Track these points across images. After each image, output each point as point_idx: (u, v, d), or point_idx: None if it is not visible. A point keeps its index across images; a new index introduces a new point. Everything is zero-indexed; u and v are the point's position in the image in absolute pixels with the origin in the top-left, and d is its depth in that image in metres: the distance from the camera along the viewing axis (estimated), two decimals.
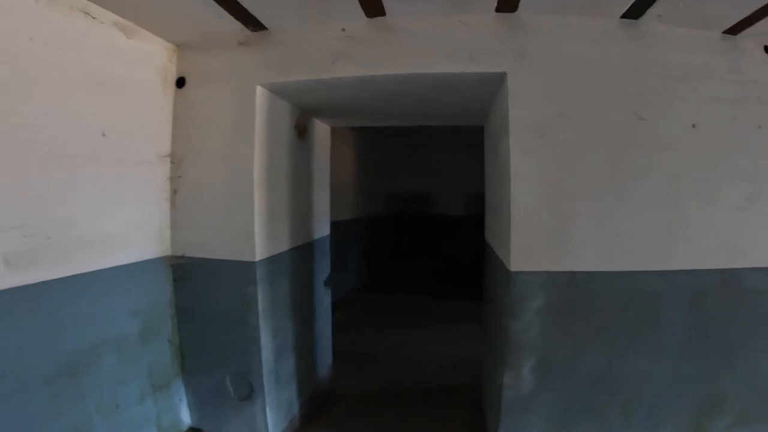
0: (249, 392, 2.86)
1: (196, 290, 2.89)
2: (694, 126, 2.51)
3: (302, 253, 3.65)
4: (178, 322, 2.94)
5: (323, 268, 4.23)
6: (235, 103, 2.78)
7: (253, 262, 2.78)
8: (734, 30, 2.50)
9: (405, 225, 11.01)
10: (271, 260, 3.00)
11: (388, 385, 4.40)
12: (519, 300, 2.53)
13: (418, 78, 2.65)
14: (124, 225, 2.52)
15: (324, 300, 4.25)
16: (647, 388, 2.61)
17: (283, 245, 3.23)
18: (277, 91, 2.92)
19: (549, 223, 2.50)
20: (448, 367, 4.86)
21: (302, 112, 3.54)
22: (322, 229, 4.22)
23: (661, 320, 2.57)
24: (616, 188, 2.51)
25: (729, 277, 2.59)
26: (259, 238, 2.80)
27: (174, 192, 2.88)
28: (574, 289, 2.54)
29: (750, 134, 2.56)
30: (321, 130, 4.16)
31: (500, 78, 2.60)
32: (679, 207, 2.52)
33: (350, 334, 5.66)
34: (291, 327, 3.36)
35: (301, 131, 3.54)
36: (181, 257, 2.87)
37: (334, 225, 4.84)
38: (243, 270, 2.80)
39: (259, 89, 2.77)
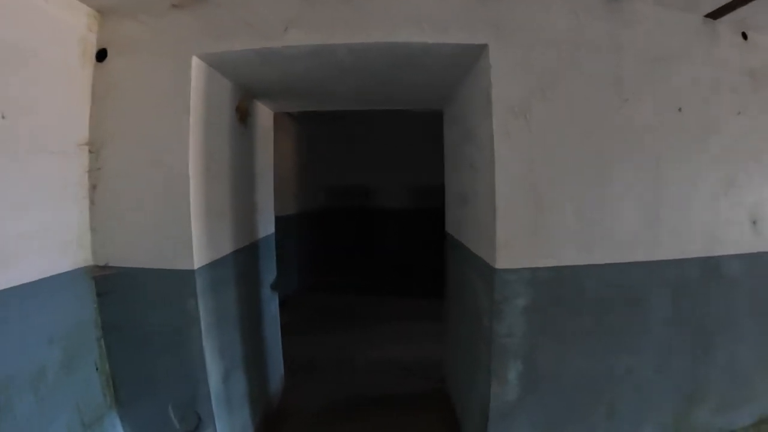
0: (197, 423, 2.54)
1: (125, 306, 2.52)
2: (680, 110, 2.55)
3: (246, 255, 3.34)
4: (106, 345, 2.55)
5: (269, 271, 3.93)
6: (167, 78, 2.42)
7: (192, 271, 2.44)
8: (716, 14, 2.56)
9: (347, 219, 10.86)
10: (213, 267, 2.68)
11: (346, 395, 4.22)
12: (503, 300, 2.41)
13: (383, 49, 2.44)
14: (30, 231, 2.09)
15: (271, 306, 3.96)
16: (632, 384, 2.63)
17: (226, 248, 2.92)
18: (216, 64, 2.59)
19: (532, 214, 2.42)
20: (408, 370, 4.74)
21: (244, 93, 3.21)
22: (266, 226, 3.91)
23: (645, 313, 2.59)
24: (599, 173, 2.47)
25: (708, 265, 2.67)
26: (197, 242, 2.47)
27: (93, 187, 2.48)
28: (559, 285, 2.48)
29: (729, 119, 2.66)
30: (264, 114, 3.83)
31: (478, 51, 2.45)
32: (660, 194, 2.55)
33: (298, 338, 5.41)
34: (239, 342, 3.06)
35: (243, 115, 3.21)
36: (105, 267, 2.49)
37: (276, 221, 4.53)
38: (180, 280, 2.46)
39: (195, 61, 2.43)
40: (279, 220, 4.48)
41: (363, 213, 10.87)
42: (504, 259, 2.36)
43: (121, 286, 2.50)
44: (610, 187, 2.47)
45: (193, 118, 2.43)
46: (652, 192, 2.52)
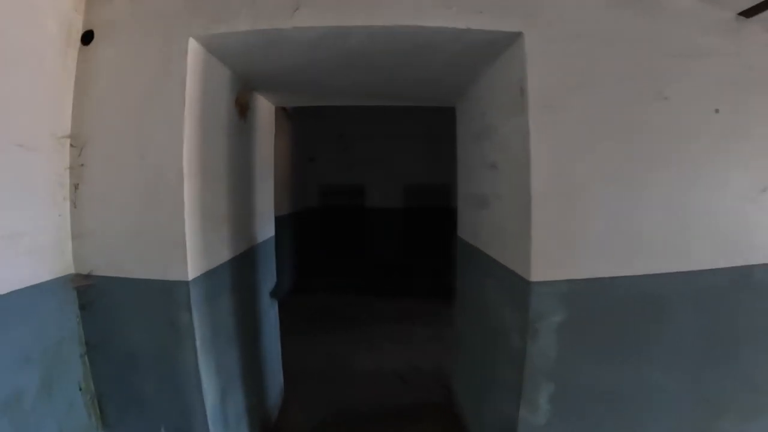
0: None
1: (111, 320, 2.25)
2: (717, 111, 2.33)
3: (245, 262, 3.09)
4: (91, 362, 2.28)
5: (268, 277, 3.68)
6: (160, 63, 2.15)
7: (185, 282, 2.17)
8: (750, 12, 2.36)
9: (341, 219, 10.89)
10: (209, 276, 2.41)
11: (346, 409, 4.01)
12: (538, 318, 2.18)
13: (406, 34, 2.18)
14: (1, 236, 1.81)
15: (270, 314, 3.70)
16: (658, 398, 2.45)
17: (224, 254, 2.66)
18: (216, 49, 2.33)
19: (568, 220, 2.18)
20: (409, 379, 4.58)
21: (244, 84, 2.95)
22: (265, 230, 3.66)
23: (675, 327, 2.40)
24: (636, 176, 2.25)
25: (741, 275, 2.47)
26: (192, 249, 2.21)
27: (75, 187, 2.21)
28: (594, 299, 2.26)
29: (763, 122, 2.44)
30: (264, 109, 3.57)
31: (509, 40, 2.22)
32: (694, 200, 2.33)
33: (292, 345, 5.14)
34: (237, 357, 2.81)
35: (243, 109, 2.95)
36: (89, 276, 2.22)
37: None
38: (172, 293, 2.19)
39: (192, 44, 2.15)
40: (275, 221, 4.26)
41: (353, 212, 10.89)
42: (540, 271, 2.12)
43: (107, 298, 2.24)
44: (647, 191, 2.26)
45: (188, 110, 2.16)
46: (686, 198, 2.32)
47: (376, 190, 10.78)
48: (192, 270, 2.20)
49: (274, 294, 3.71)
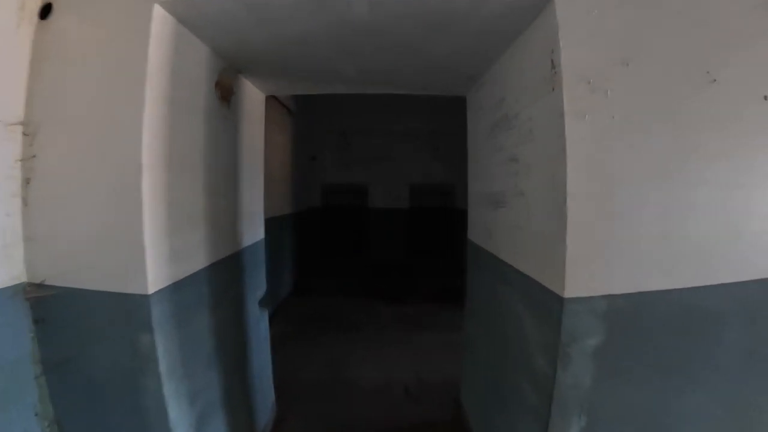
0: None
1: (69, 336, 1.98)
2: (766, 98, 2.02)
3: (227, 269, 2.79)
4: (48, 384, 2.03)
5: (258, 284, 3.39)
6: (122, 37, 1.88)
7: (145, 296, 1.88)
8: None
9: (343, 220, 10.83)
10: (178, 288, 2.12)
11: (344, 427, 3.75)
12: (571, 341, 1.89)
13: (416, 3, 1.89)
14: None
15: (260, 325, 3.41)
16: (697, 425, 2.16)
17: (198, 261, 2.36)
18: (188, 19, 2.05)
19: (608, 223, 1.88)
20: (412, 392, 4.36)
21: (227, 65, 2.67)
22: (254, 232, 3.36)
23: (721, 346, 2.11)
24: (683, 171, 1.94)
25: None
26: (153, 256, 1.92)
27: (26, 182, 1.94)
28: (636, 317, 1.96)
29: None
30: (253, 96, 3.28)
31: (536, 9, 1.94)
32: (745, 199, 2.04)
33: (288, 354, 5.06)
34: (218, 379, 2.53)
35: (225, 93, 2.66)
36: (42, 286, 1.95)
37: (269, 222, 4.06)
38: (129, 308, 1.91)
39: (158, 11, 1.88)
40: (272, 222, 4.00)
41: (362, 212, 10.82)
42: (575, 285, 1.82)
43: (65, 312, 1.98)
44: (696, 190, 1.96)
45: (150, 90, 1.89)
46: (738, 197, 2.03)
47: (380, 190, 10.67)
48: (153, 281, 1.91)
49: (263, 303, 3.43)
